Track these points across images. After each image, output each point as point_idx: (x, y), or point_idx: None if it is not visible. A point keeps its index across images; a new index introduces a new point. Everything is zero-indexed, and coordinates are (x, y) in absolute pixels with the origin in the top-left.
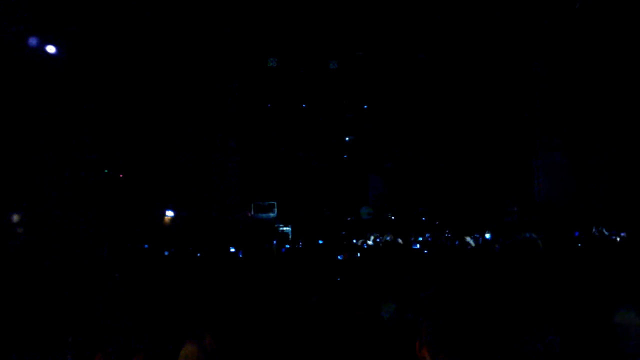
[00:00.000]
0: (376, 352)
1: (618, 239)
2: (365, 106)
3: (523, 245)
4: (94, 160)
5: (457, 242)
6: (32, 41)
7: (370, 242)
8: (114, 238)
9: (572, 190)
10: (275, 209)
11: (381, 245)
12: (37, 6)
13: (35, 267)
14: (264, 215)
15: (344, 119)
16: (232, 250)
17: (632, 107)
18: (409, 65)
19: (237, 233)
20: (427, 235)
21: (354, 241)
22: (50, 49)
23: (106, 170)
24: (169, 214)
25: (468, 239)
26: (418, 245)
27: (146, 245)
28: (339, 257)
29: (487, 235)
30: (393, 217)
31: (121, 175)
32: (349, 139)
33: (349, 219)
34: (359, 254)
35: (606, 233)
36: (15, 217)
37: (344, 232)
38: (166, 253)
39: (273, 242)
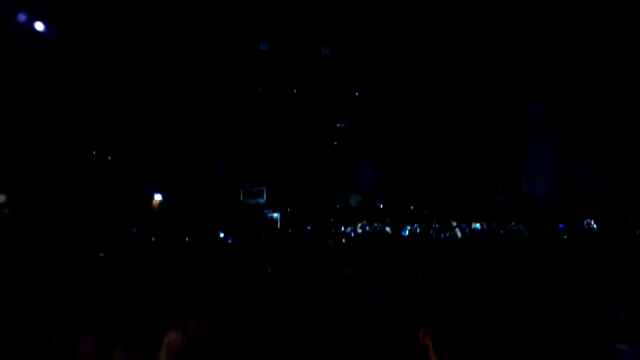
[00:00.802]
0: (362, 338)
1: (605, 231)
2: (357, 93)
3: (510, 236)
4: (82, 142)
5: (447, 234)
6: (20, 17)
7: (359, 230)
8: (101, 221)
9: (559, 183)
10: (265, 195)
11: (369, 233)
12: None
13: (22, 249)
14: (253, 200)
15: (335, 105)
16: (222, 235)
17: (621, 102)
18: (401, 53)
19: (226, 218)
20: (415, 225)
21: (342, 229)
22: (39, 26)
23: (94, 152)
24: (157, 197)
25: (457, 230)
26: (407, 232)
27: (134, 230)
28: (328, 242)
29: (477, 225)
30: (382, 206)
31: (109, 158)
32: (340, 126)
33: (337, 206)
34: (344, 240)
35: (594, 226)
36: (1, 198)
37: (332, 220)
38: (153, 239)
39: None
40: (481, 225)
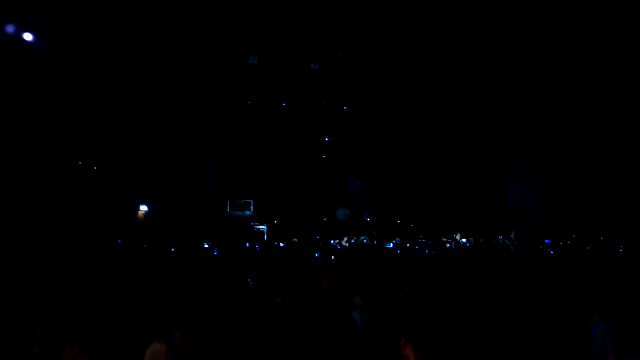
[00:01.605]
0: (348, 351)
1: (589, 247)
2: (346, 108)
3: (496, 251)
4: (69, 152)
5: (435, 250)
6: (9, 29)
7: (345, 244)
8: (86, 232)
9: (545, 199)
10: (252, 207)
11: (356, 247)
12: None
13: (4, 259)
14: (240, 213)
15: (323, 119)
16: (207, 246)
17: (607, 117)
18: (390, 68)
19: (213, 230)
20: (397, 240)
21: (332, 242)
22: (27, 36)
23: (80, 162)
24: (143, 208)
25: (457, 237)
26: (392, 245)
27: (119, 241)
28: (317, 255)
29: (463, 240)
30: (369, 219)
31: (95, 168)
32: (329, 140)
33: (325, 219)
34: (333, 257)
35: (579, 242)
36: None
37: (318, 236)
38: (138, 250)
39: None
40: (468, 240)
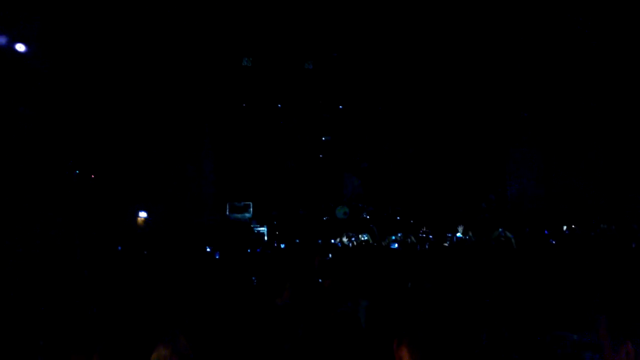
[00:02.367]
0: (352, 351)
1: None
2: (341, 106)
3: (497, 243)
4: (65, 160)
5: (437, 245)
6: (1, 40)
7: (345, 241)
8: (86, 240)
9: (542, 190)
10: (251, 209)
11: (356, 245)
12: (6, 6)
13: (6, 269)
14: (239, 215)
15: (319, 119)
16: (208, 250)
17: (603, 110)
18: (384, 66)
19: (213, 234)
20: (399, 235)
21: (332, 241)
22: (20, 47)
23: (77, 171)
24: (142, 215)
25: (460, 228)
26: (396, 245)
27: (119, 247)
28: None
29: (458, 234)
30: (368, 217)
31: (93, 176)
32: (325, 139)
33: (324, 218)
34: (330, 255)
35: (578, 232)
36: None
37: (318, 236)
38: (140, 256)
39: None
40: (469, 234)
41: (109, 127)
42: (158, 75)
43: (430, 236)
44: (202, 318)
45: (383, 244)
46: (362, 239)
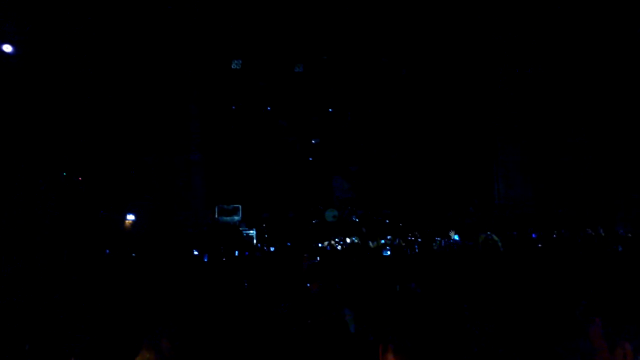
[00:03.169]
0: (339, 355)
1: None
2: (331, 109)
3: (484, 246)
4: (53, 162)
5: (427, 248)
6: None
7: (334, 243)
8: (73, 243)
9: (529, 193)
10: (240, 212)
11: (345, 248)
12: None
13: None
14: (228, 218)
15: (309, 121)
16: (196, 253)
17: (590, 113)
18: (373, 69)
19: (201, 236)
20: (388, 237)
21: (320, 245)
22: (7, 48)
23: (64, 173)
24: (130, 217)
25: (452, 234)
26: (389, 252)
27: (107, 251)
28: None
29: (455, 236)
30: (357, 220)
31: (80, 178)
32: (315, 142)
33: (314, 221)
34: (318, 258)
35: (566, 234)
36: None
37: (308, 239)
38: (125, 258)
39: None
40: (459, 236)
41: (96, 129)
42: (147, 77)
43: (419, 239)
44: (187, 322)
45: (371, 245)
46: (353, 241)
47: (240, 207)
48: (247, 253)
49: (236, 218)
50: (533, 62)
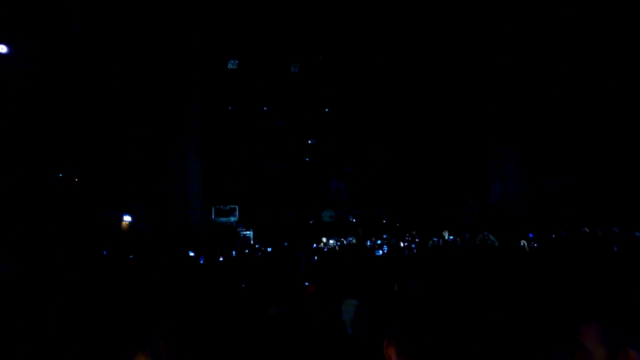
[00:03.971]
0: (337, 355)
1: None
2: (327, 109)
3: (481, 246)
4: (49, 163)
5: (423, 248)
6: None
7: (330, 243)
8: (69, 244)
9: (526, 193)
10: (237, 213)
11: (342, 248)
12: None
13: None
14: (225, 219)
15: (305, 122)
16: (192, 254)
17: (586, 113)
18: (369, 69)
19: (198, 238)
20: (384, 236)
21: (315, 245)
22: (2, 48)
23: (60, 174)
24: (127, 218)
25: (445, 234)
26: (381, 252)
27: (104, 252)
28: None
29: (451, 237)
30: (354, 220)
31: (76, 180)
32: (311, 142)
33: (310, 222)
34: (316, 258)
35: (563, 234)
36: None
37: (304, 239)
38: (123, 260)
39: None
40: (454, 236)
41: (93, 130)
42: (143, 78)
43: (417, 239)
44: (184, 323)
45: (368, 243)
46: (350, 241)
47: (237, 207)
48: (246, 250)
49: (233, 219)
50: (530, 62)
